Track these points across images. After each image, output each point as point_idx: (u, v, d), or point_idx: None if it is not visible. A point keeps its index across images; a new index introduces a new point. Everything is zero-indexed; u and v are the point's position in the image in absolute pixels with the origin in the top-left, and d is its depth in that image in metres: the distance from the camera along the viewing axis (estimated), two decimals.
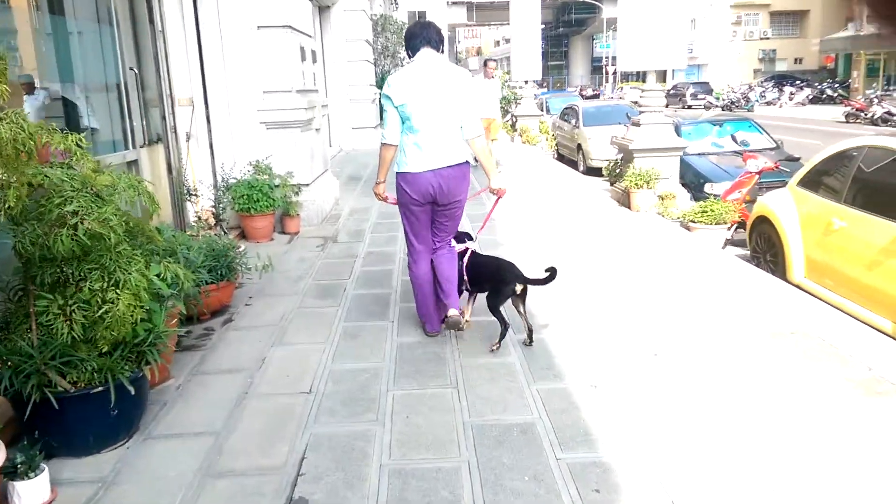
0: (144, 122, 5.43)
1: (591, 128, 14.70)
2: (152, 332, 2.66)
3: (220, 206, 5.24)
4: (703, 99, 38.54)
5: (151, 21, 5.18)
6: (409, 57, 3.79)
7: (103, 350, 2.56)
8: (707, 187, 8.66)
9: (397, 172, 3.71)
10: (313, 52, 7.51)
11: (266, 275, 4.70)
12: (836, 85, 36.73)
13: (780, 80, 42.95)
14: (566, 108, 17.37)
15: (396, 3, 27.48)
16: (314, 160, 7.12)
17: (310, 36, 7.43)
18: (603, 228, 6.62)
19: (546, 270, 3.66)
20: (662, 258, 5.55)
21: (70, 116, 4.88)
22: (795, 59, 52.68)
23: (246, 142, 6.53)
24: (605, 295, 4.51)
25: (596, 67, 76.73)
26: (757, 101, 35.41)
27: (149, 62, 5.68)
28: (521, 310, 3.72)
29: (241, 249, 4.57)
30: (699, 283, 4.87)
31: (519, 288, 3.66)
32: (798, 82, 40.50)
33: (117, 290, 2.42)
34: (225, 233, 4.72)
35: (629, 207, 7.42)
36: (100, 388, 2.52)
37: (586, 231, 6.49)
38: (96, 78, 5.06)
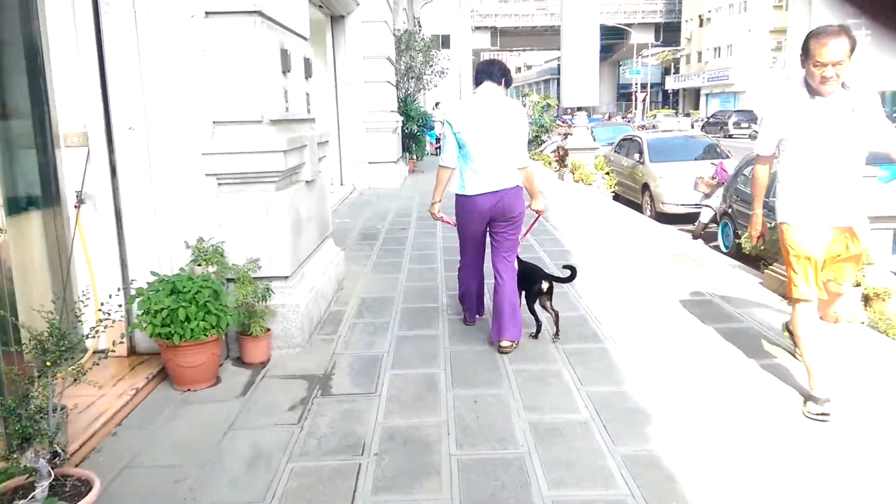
0: None
1: (660, 164, 11.89)
2: None
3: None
4: (748, 128, 35.65)
5: None
6: (475, 89, 4.03)
7: None
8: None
9: (456, 194, 3.99)
10: (307, 62, 4.85)
11: None
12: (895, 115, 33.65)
13: None
14: (623, 140, 14.58)
15: (420, 25, 25.16)
16: (302, 234, 4.38)
17: (301, 37, 4.77)
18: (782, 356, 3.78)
19: (566, 268, 4.29)
20: None
21: None
22: None
23: (180, 208, 3.81)
24: None
25: (622, 94, 74.24)
26: None
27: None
28: (548, 305, 4.11)
29: None
30: None
31: (545, 286, 4.07)
32: None
33: None
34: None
35: None
36: None
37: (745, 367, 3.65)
38: None
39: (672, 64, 66.08)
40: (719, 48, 55.67)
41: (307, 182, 4.56)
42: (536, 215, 4.27)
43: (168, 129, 3.73)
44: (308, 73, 4.88)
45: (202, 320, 3.41)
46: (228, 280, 3.83)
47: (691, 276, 5.64)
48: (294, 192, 4.25)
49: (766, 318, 4.54)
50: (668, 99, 68.28)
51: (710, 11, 56.49)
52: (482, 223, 3.97)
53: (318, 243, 4.92)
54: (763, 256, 5.61)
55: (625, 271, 5.85)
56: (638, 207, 11.95)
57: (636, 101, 58.49)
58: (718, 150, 12.32)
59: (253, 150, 3.81)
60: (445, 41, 33.29)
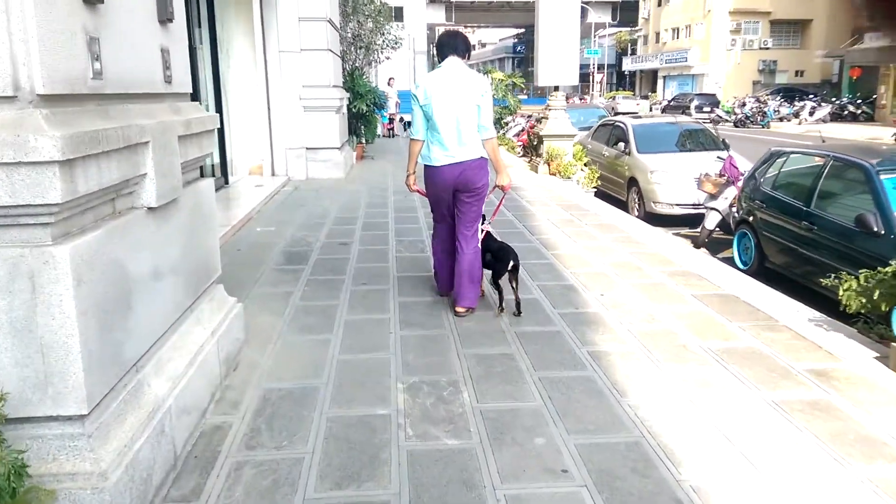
0: None
1: (650, 156, 10.07)
2: None
3: None
4: (711, 112, 34.50)
5: None
6: (439, 62, 4.17)
7: None
8: None
9: (424, 165, 4.17)
10: None
11: None
12: (860, 101, 32.86)
13: (787, 93, 39.28)
14: (602, 125, 12.73)
15: None
16: (133, 312, 2.32)
17: None
18: None
19: None
20: None
21: None
22: (796, 72, 49.22)
23: None
24: None
25: (579, 75, 72.78)
26: (770, 116, 31.57)
27: None
28: (514, 285, 4.19)
29: None
30: None
31: (511, 264, 4.13)
32: (811, 96, 36.74)
33: None
34: None
35: None
36: None
37: None
38: None
39: (629, 45, 64.79)
40: (677, 29, 54.53)
41: (150, 209, 2.49)
42: (502, 193, 4.36)
43: None
44: (165, 15, 2.79)
45: None
46: None
47: (776, 346, 3.79)
48: (110, 236, 2.19)
49: None
50: (623, 80, 67.08)
51: None
52: (448, 193, 4.13)
53: (184, 310, 2.87)
54: (870, 315, 3.80)
55: (670, 335, 3.96)
56: (619, 203, 10.14)
57: (593, 82, 57.01)
58: (721, 140, 10.59)
59: None
60: (398, 14, 31.01)
